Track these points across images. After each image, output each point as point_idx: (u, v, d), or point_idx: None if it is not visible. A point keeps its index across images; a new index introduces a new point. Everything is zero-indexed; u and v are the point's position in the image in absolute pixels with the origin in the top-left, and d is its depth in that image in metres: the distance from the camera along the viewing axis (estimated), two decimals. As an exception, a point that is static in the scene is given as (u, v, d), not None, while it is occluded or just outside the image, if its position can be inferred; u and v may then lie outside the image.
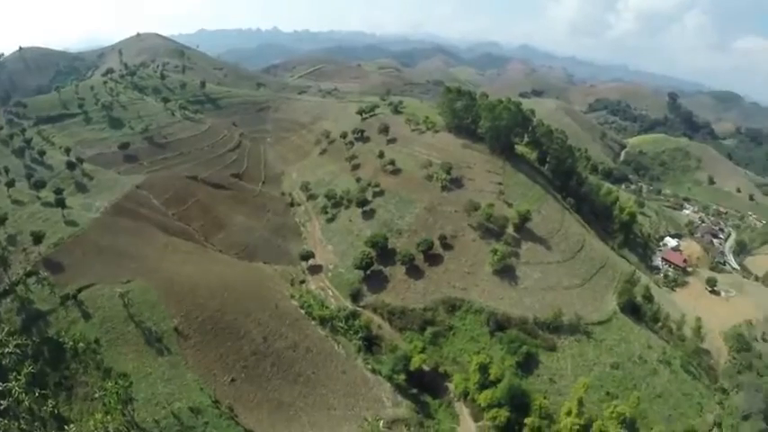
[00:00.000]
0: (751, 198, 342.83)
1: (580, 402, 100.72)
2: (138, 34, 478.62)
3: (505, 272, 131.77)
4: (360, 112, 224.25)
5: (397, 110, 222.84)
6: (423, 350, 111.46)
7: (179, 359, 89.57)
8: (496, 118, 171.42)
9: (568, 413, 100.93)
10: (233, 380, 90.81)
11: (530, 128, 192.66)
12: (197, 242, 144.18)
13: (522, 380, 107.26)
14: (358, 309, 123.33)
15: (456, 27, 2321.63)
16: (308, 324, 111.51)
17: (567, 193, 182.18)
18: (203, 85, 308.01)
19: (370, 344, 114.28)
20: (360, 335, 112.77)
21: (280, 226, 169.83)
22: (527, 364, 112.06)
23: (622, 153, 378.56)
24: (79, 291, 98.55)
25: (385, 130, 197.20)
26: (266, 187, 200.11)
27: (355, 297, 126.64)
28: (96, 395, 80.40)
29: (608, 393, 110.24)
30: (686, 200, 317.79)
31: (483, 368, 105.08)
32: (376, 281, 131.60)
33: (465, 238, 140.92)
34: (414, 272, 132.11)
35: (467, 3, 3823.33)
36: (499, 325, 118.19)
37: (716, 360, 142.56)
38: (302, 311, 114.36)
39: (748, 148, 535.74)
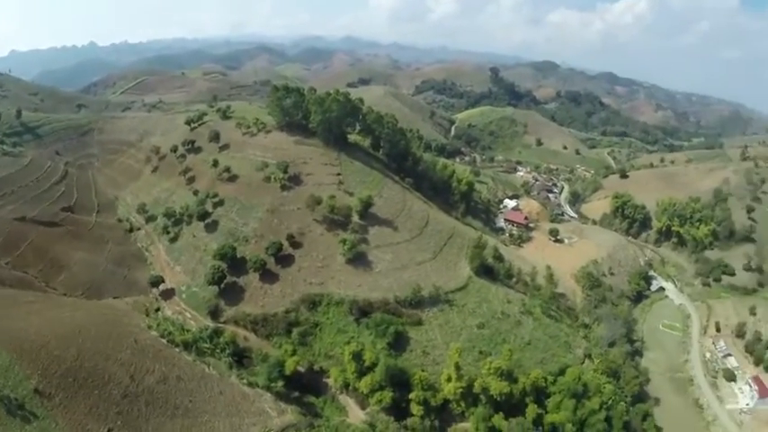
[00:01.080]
0: (577, 152, 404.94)
1: (457, 367, 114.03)
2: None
3: (358, 259, 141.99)
4: (188, 123, 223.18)
5: (225, 115, 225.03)
6: (294, 352, 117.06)
7: (48, 423, 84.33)
8: (326, 111, 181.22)
9: (449, 379, 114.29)
10: (110, 430, 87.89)
11: (360, 116, 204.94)
12: (38, 289, 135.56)
13: (397, 359, 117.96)
14: (220, 325, 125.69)
15: (278, 24, 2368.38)
16: (173, 352, 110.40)
17: (405, 174, 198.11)
18: (19, 113, 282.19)
19: (241, 358, 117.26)
20: (227, 351, 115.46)
21: (122, 255, 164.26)
22: (398, 343, 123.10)
23: (453, 128, 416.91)
24: None
25: (216, 137, 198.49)
26: (101, 216, 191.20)
27: (214, 314, 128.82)
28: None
29: (481, 352, 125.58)
30: (518, 163, 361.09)
31: (357, 356, 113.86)
32: (232, 293, 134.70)
33: (313, 234, 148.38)
34: (268, 276, 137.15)
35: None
36: (363, 311, 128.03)
37: (573, 300, 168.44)
38: (163, 341, 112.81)
39: (568, 109, 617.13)
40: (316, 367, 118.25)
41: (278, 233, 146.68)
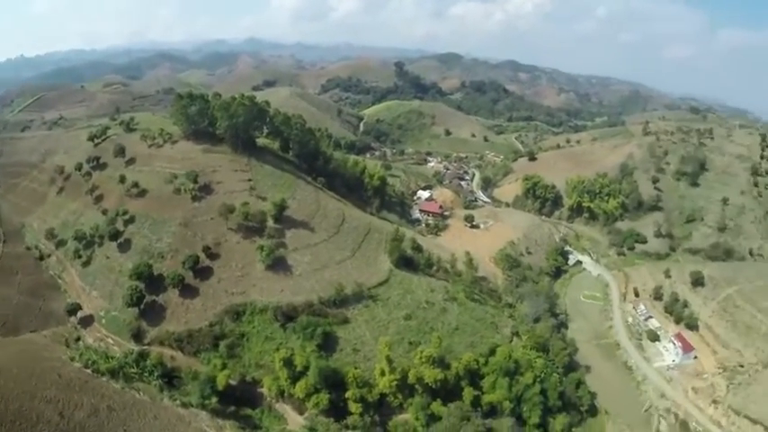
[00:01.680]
0: (485, 139, 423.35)
1: (388, 360, 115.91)
2: None
3: (278, 264, 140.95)
4: (91, 139, 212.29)
5: (129, 128, 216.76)
6: (224, 366, 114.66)
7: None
8: (233, 116, 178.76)
9: (382, 373, 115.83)
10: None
11: (267, 119, 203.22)
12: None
13: (329, 359, 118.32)
14: (144, 348, 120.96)
15: (179, 30, 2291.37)
16: (100, 382, 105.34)
17: (317, 174, 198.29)
18: None
19: (171, 379, 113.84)
20: (156, 374, 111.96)
21: (35, 285, 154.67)
22: (327, 344, 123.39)
23: (361, 125, 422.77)
24: None
25: (121, 152, 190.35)
26: (8, 246, 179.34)
27: (137, 337, 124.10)
28: None
29: (410, 343, 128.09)
30: (428, 154, 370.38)
31: (288, 362, 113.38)
32: (153, 313, 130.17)
33: (229, 243, 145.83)
34: (188, 292, 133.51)
35: (186, 3, 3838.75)
36: (288, 316, 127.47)
37: (494, 282, 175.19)
38: (88, 371, 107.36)
39: (474, 98, 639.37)
40: (248, 378, 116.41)
41: (193, 246, 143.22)
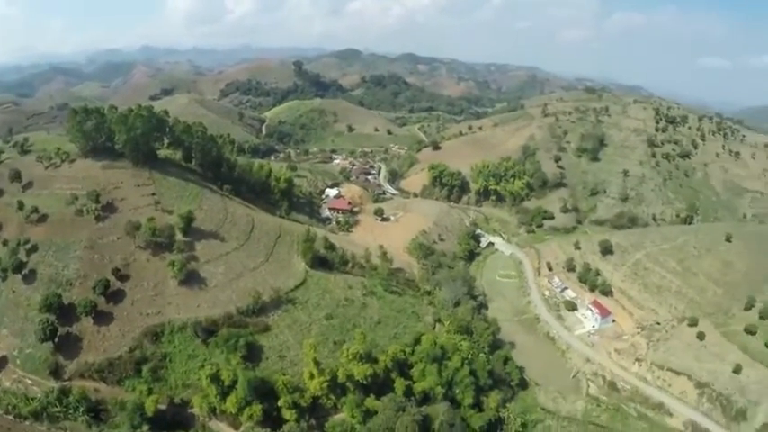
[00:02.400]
0: (389, 132, 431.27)
1: (315, 362, 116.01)
2: None
3: (191, 278, 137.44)
4: None
5: (24, 149, 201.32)
6: (150, 391, 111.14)
7: None
8: (131, 129, 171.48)
9: (311, 376, 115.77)
10: None
11: (167, 129, 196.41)
12: None
13: (256, 370, 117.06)
14: (65, 383, 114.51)
15: (71, 41, 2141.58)
16: (23, 426, 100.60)
17: (222, 181, 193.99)
18: None
19: (97, 413, 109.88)
20: (81, 409, 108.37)
21: None
22: (252, 354, 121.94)
23: (264, 128, 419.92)
24: None
25: (17, 176, 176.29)
26: None
27: (56, 373, 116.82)
28: None
29: (335, 342, 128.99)
30: (333, 152, 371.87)
31: (214, 378, 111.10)
32: (68, 345, 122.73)
33: (139, 262, 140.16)
34: (102, 318, 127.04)
35: (76, 13, 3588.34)
36: (208, 331, 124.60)
37: (411, 272, 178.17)
38: (10, 417, 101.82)
39: (375, 93, 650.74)
40: (177, 400, 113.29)
41: (102, 269, 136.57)
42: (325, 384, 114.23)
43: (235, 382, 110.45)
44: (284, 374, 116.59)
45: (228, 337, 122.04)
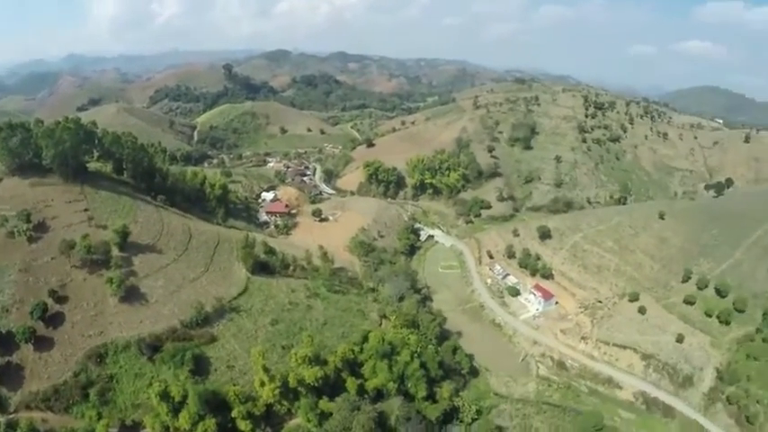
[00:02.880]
0: (322, 132, 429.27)
1: (265, 369, 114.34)
2: None
3: (131, 294, 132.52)
4: None
5: None
6: (99, 416, 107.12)
7: None
8: (59, 142, 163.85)
9: (262, 384, 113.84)
10: None
11: (96, 141, 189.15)
12: None
13: (206, 383, 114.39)
14: (11, 416, 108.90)
15: None
16: None
17: (156, 192, 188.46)
18: None
19: None
20: None
21: None
22: (200, 367, 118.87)
23: (195, 134, 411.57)
24: None
25: None
26: None
27: (1, 406, 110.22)
28: None
29: (283, 347, 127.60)
30: (267, 154, 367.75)
31: (164, 396, 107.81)
32: (10, 376, 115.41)
33: (76, 282, 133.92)
34: (43, 344, 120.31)
35: None
36: (153, 347, 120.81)
37: (353, 271, 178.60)
38: None
39: (306, 93, 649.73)
40: (128, 422, 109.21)
41: (38, 292, 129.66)
42: (277, 391, 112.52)
43: (185, 397, 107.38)
44: (235, 385, 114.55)
45: (174, 352, 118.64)
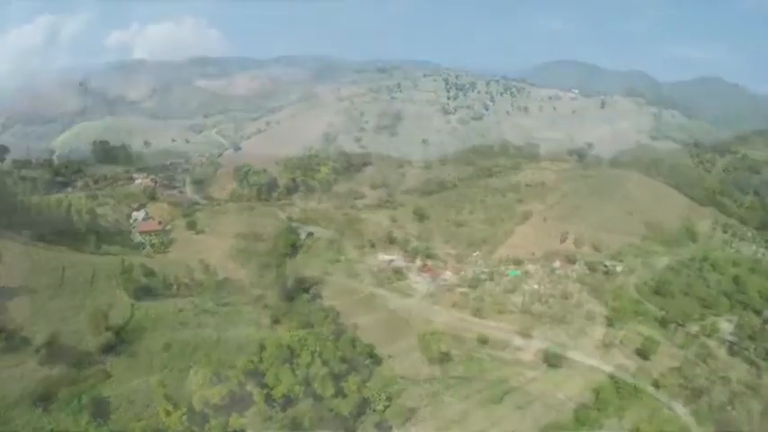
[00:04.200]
0: (187, 141, 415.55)
1: (167, 397, 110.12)
2: None
3: (10, 344, 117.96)
4: None
5: None
6: None
7: None
8: None
9: (168, 413, 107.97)
10: None
11: None
12: None
13: (108, 424, 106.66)
14: None
15: None
16: None
17: (19, 226, 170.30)
18: None
19: None
20: None
21: None
22: (100, 409, 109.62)
23: (55, 159, 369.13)
24: None
25: None
26: None
27: None
28: None
29: (181, 371, 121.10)
30: (133, 171, 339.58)
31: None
32: None
33: None
34: None
35: None
36: (46, 397, 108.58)
37: (239, 279, 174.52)
38: None
39: (167, 102, 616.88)
40: None
41: None
42: (184, 417, 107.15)
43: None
44: (140, 420, 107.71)
45: (70, 398, 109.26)
